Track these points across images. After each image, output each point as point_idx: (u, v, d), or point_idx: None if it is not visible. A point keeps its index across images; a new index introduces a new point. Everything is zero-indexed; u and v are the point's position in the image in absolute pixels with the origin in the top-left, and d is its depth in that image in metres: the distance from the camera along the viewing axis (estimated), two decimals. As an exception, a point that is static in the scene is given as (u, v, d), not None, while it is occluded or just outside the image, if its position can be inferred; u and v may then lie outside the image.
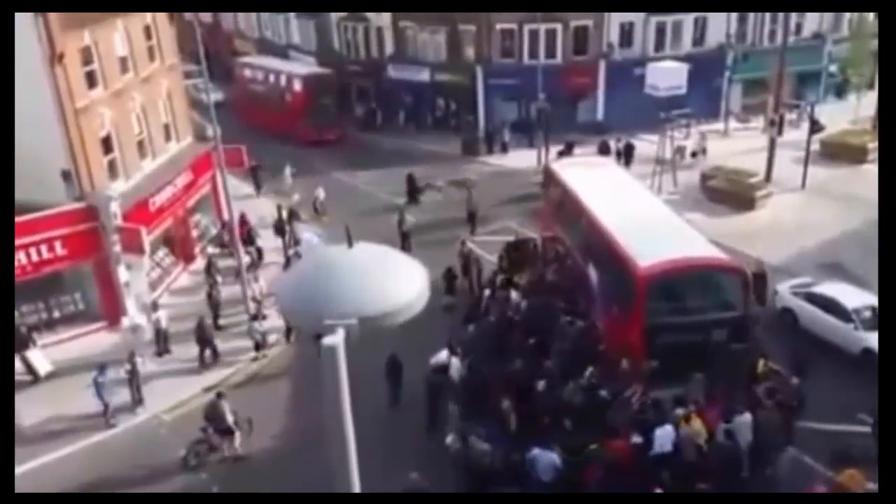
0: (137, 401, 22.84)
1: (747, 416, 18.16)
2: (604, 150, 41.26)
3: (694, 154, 41.95)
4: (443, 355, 21.32)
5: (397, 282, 5.01)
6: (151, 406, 22.93)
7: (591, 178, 27.43)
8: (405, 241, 31.32)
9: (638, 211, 24.38)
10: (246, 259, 28.54)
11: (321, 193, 37.53)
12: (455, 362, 21.27)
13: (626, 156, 40.42)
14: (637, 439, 18.00)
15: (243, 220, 31.62)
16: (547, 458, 17.37)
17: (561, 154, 40.76)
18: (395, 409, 21.86)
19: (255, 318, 26.09)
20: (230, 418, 20.61)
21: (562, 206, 27.95)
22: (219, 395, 21.27)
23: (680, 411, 18.53)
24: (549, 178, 30.11)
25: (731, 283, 20.74)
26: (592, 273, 24.12)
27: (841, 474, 17.14)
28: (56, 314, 26.74)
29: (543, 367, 20.79)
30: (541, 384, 20.12)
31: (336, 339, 4.74)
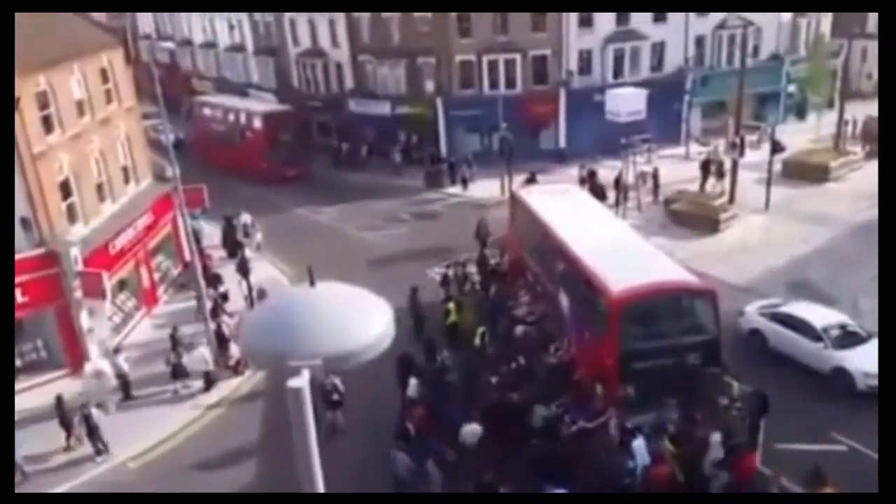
0: (99, 450, 22.17)
1: (717, 436, 18.04)
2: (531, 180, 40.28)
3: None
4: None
5: (361, 320, 4.91)
6: (118, 454, 22.31)
7: (559, 205, 27.48)
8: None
9: (607, 236, 24.39)
10: (209, 303, 28.03)
11: (247, 218, 37.26)
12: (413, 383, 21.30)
13: (591, 182, 40.48)
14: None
15: (203, 256, 31.03)
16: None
17: (527, 183, 40.87)
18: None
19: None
20: (342, 389, 21.77)
21: (529, 233, 27.90)
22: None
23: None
24: (516, 205, 30.14)
25: (703, 307, 20.71)
26: (563, 299, 24.03)
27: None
28: (17, 363, 25.98)
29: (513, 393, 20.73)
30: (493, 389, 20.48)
31: (301, 381, 4.62)
